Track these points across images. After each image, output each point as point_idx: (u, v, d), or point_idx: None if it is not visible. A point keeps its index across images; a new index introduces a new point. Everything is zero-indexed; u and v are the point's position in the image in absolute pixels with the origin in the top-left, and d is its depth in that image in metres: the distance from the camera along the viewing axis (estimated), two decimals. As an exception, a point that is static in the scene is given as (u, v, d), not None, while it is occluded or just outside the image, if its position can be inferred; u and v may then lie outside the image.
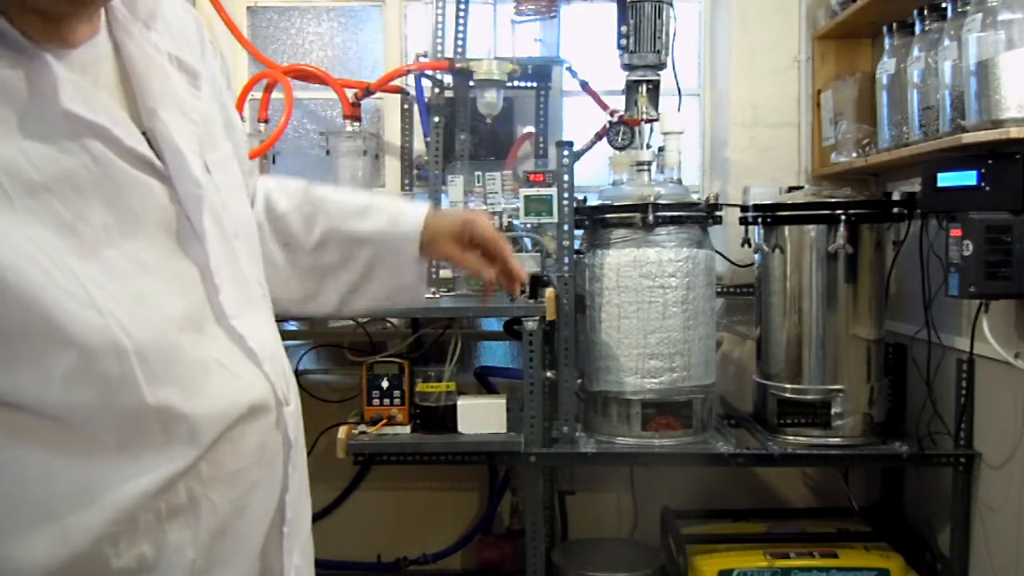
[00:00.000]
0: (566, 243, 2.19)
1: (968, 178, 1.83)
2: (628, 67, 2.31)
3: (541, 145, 2.74)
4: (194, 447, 0.71)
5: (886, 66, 2.24)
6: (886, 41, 2.26)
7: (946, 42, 1.91)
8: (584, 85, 2.55)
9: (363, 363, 2.19)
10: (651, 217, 2.17)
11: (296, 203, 1.07)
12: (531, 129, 2.78)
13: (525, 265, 2.16)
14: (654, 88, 2.32)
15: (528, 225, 2.27)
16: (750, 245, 2.39)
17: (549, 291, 2.18)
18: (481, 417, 2.17)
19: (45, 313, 0.63)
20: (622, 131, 2.31)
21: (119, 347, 0.67)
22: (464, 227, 1.10)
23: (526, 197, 2.16)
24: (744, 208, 2.34)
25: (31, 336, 0.64)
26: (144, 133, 0.75)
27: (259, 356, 0.79)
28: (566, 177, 2.18)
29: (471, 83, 2.48)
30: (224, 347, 0.77)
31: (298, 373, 2.73)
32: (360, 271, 1.09)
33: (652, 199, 2.19)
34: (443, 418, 2.17)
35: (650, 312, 2.18)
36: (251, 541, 0.79)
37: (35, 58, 0.67)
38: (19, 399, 0.65)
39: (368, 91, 2.56)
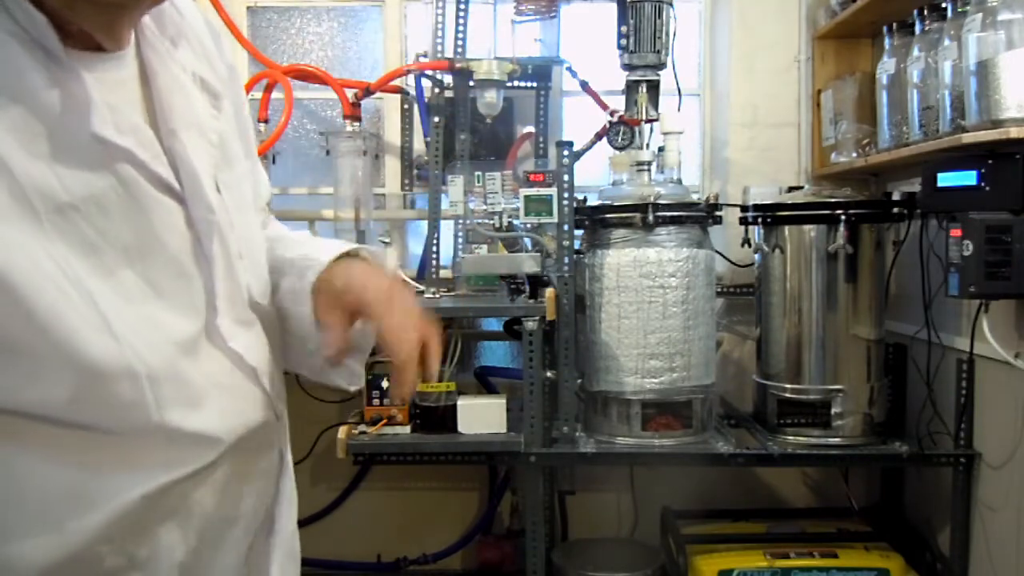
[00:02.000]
0: (566, 243, 2.19)
1: (968, 178, 1.83)
2: (628, 67, 2.31)
3: (541, 145, 2.74)
4: (196, 462, 0.73)
5: (886, 66, 2.24)
6: (886, 41, 2.26)
7: (946, 42, 1.91)
8: (584, 85, 2.55)
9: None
10: (651, 217, 2.17)
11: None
12: (531, 129, 2.78)
13: (524, 266, 2.17)
14: (654, 88, 2.32)
15: (528, 225, 2.27)
16: (750, 245, 2.39)
17: (549, 291, 2.18)
18: (481, 417, 2.17)
19: (60, 336, 0.64)
20: (622, 131, 2.31)
21: (133, 372, 0.67)
22: (345, 294, 0.83)
23: (526, 197, 2.16)
24: (744, 208, 2.34)
25: (42, 356, 0.64)
26: (163, 153, 0.75)
27: (259, 371, 0.81)
28: (566, 177, 2.18)
29: (471, 83, 2.48)
30: (225, 367, 0.78)
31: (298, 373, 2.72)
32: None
33: (652, 199, 2.19)
34: (443, 418, 2.17)
35: (650, 312, 2.18)
36: (239, 547, 0.81)
37: (71, 73, 0.67)
38: (26, 413, 0.65)
39: (368, 91, 2.56)
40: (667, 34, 2.29)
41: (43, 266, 0.63)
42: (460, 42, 2.60)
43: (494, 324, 2.80)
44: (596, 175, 2.65)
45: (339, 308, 0.82)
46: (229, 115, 0.86)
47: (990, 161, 1.81)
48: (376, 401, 2.16)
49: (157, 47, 0.77)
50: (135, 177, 0.70)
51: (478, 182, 2.26)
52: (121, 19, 0.72)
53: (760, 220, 2.27)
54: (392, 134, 2.85)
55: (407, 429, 2.16)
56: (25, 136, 0.64)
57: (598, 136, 2.43)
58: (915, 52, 2.05)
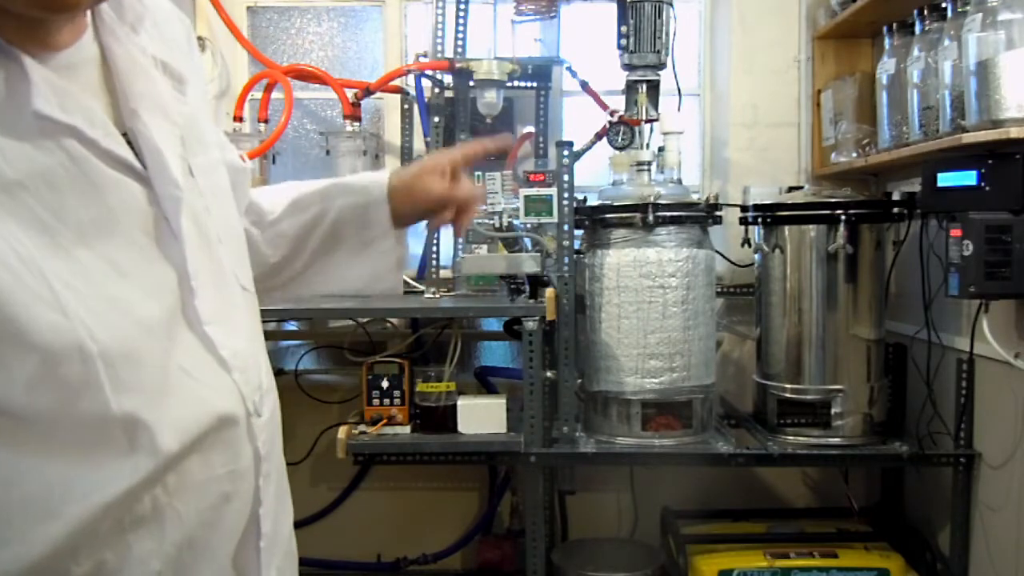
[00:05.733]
0: (566, 243, 2.19)
1: (968, 178, 1.83)
2: (628, 67, 2.31)
3: (541, 145, 2.74)
4: (157, 457, 0.70)
5: (886, 66, 2.24)
6: (886, 41, 2.26)
7: (946, 42, 1.91)
8: (584, 85, 2.55)
9: (363, 363, 2.19)
10: (651, 217, 2.17)
11: (265, 192, 1.11)
12: (531, 129, 2.78)
13: (525, 266, 2.17)
14: (654, 88, 2.32)
15: (528, 225, 2.27)
16: (750, 245, 2.39)
17: (549, 291, 2.18)
18: (481, 417, 2.17)
19: (10, 315, 0.62)
20: (622, 131, 2.31)
21: (84, 351, 0.65)
22: (440, 162, 1.10)
23: (526, 197, 2.16)
24: (744, 208, 2.34)
25: None
26: (125, 135, 0.75)
27: (230, 364, 0.78)
28: (566, 177, 2.18)
29: (471, 83, 2.48)
30: (194, 354, 0.76)
31: (298, 373, 2.73)
32: (329, 226, 1.09)
33: (652, 199, 2.19)
34: (443, 418, 2.17)
35: (650, 312, 2.18)
36: (220, 554, 0.78)
37: (14, 60, 0.67)
38: None
39: (368, 91, 2.56)
40: (667, 34, 2.29)
41: None
42: (460, 42, 2.60)
43: (494, 324, 2.79)
44: (596, 175, 2.65)
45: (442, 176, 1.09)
46: (196, 101, 0.86)
47: (990, 161, 1.81)
48: (376, 401, 2.16)
49: (116, 32, 0.77)
50: (85, 155, 0.69)
51: (478, 182, 2.26)
52: (47, 28, 0.71)
53: (760, 220, 2.27)
54: (392, 134, 2.85)
55: (407, 429, 2.16)
56: None
57: (598, 136, 2.43)
58: (915, 52, 2.05)
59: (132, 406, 0.68)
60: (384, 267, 1.12)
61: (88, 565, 0.67)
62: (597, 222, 2.27)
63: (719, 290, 2.55)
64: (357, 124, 2.57)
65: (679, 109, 2.47)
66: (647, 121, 2.32)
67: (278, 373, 2.58)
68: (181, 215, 0.76)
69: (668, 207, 2.19)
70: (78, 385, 0.66)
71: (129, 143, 0.75)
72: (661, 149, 2.34)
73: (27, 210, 0.65)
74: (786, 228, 2.22)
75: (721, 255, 2.49)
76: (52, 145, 0.68)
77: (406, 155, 2.80)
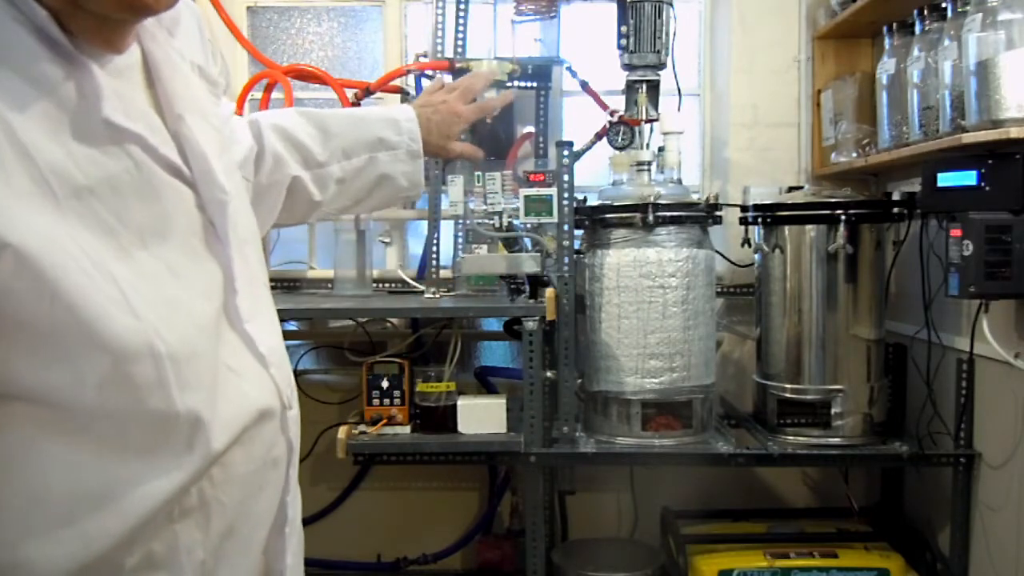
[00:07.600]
0: (566, 243, 2.19)
1: (968, 178, 1.83)
2: (628, 67, 2.31)
3: (541, 145, 2.74)
4: (209, 452, 0.73)
5: (886, 66, 2.24)
6: (886, 41, 2.26)
7: (946, 42, 1.91)
8: (584, 85, 2.55)
9: (363, 363, 2.19)
10: (651, 217, 2.17)
11: (302, 125, 1.16)
12: (531, 129, 2.78)
13: (525, 266, 2.17)
14: (654, 88, 2.32)
15: (528, 225, 2.27)
16: (750, 245, 2.39)
17: (549, 291, 2.18)
18: (481, 417, 2.17)
19: (86, 316, 0.64)
20: (622, 131, 2.31)
21: (155, 352, 0.68)
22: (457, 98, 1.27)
23: (526, 197, 2.16)
24: (744, 208, 2.34)
25: (69, 337, 0.64)
26: (171, 138, 0.77)
27: (268, 360, 0.82)
28: (566, 177, 2.18)
29: (471, 83, 2.48)
30: (237, 351, 0.79)
31: (298, 373, 2.73)
32: (375, 177, 1.20)
33: (652, 199, 2.19)
34: (443, 418, 2.17)
35: (650, 312, 2.18)
36: (255, 541, 0.82)
37: (82, 66, 0.69)
38: (54, 399, 0.65)
39: (368, 91, 2.55)
40: (667, 34, 2.29)
41: (66, 248, 0.64)
42: (460, 42, 2.60)
43: (494, 324, 2.79)
44: (596, 175, 2.65)
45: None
46: (223, 103, 0.90)
47: (990, 161, 1.81)
48: (376, 401, 2.16)
49: (156, 36, 0.79)
50: (147, 161, 0.72)
51: (478, 182, 2.26)
52: (120, 31, 0.73)
53: (760, 220, 2.27)
54: (392, 134, 2.84)
55: (407, 429, 2.16)
56: (44, 122, 0.65)
57: (598, 136, 2.43)
58: (915, 52, 2.05)
59: (194, 404, 0.71)
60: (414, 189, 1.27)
61: (139, 556, 0.70)
62: (597, 222, 2.27)
63: (719, 290, 2.55)
64: (357, 124, 2.56)
65: (679, 109, 2.47)
66: (647, 121, 2.32)
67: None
68: (227, 218, 0.79)
69: (668, 207, 2.19)
70: (148, 385, 0.68)
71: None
72: (661, 149, 2.34)
73: (94, 214, 0.67)
74: (786, 228, 2.22)
75: (721, 255, 2.48)
76: (119, 151, 0.70)
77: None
